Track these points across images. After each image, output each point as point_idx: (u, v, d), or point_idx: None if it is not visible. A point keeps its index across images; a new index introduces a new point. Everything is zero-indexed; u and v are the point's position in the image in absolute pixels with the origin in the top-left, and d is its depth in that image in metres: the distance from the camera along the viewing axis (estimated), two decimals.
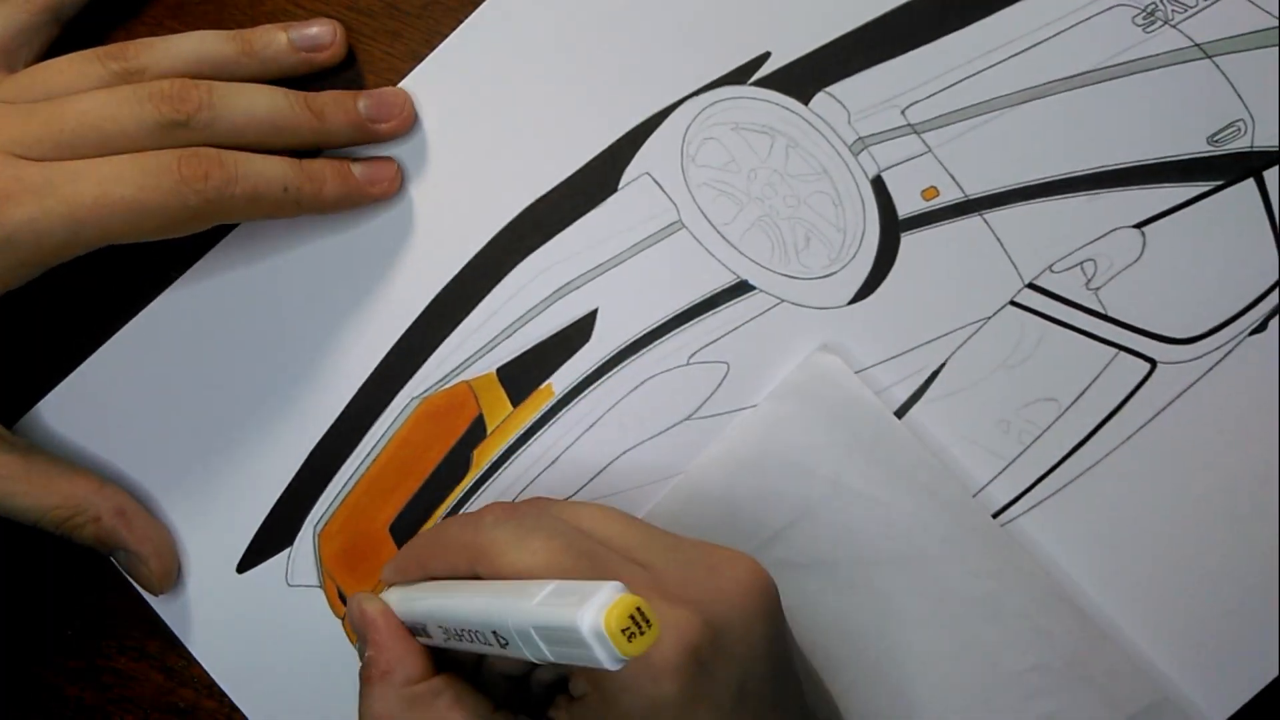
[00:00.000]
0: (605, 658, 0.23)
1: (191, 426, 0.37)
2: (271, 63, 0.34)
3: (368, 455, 0.37)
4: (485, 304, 0.36)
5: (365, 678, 0.31)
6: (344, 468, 0.37)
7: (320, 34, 0.35)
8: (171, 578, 0.36)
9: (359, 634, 0.32)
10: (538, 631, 0.25)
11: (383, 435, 0.37)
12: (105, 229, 0.31)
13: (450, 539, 0.31)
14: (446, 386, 0.37)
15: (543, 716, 0.30)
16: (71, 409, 0.36)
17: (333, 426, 0.37)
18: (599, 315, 0.36)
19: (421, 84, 0.36)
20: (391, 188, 0.35)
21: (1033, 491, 0.36)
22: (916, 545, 0.36)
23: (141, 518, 0.35)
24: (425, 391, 0.37)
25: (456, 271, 0.36)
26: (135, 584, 0.36)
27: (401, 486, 0.37)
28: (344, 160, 0.35)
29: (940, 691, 0.36)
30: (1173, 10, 0.34)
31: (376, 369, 0.37)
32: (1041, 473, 0.36)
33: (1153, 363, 0.36)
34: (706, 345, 0.36)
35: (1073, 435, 0.36)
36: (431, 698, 0.30)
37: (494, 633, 0.27)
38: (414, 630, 0.32)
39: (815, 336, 0.36)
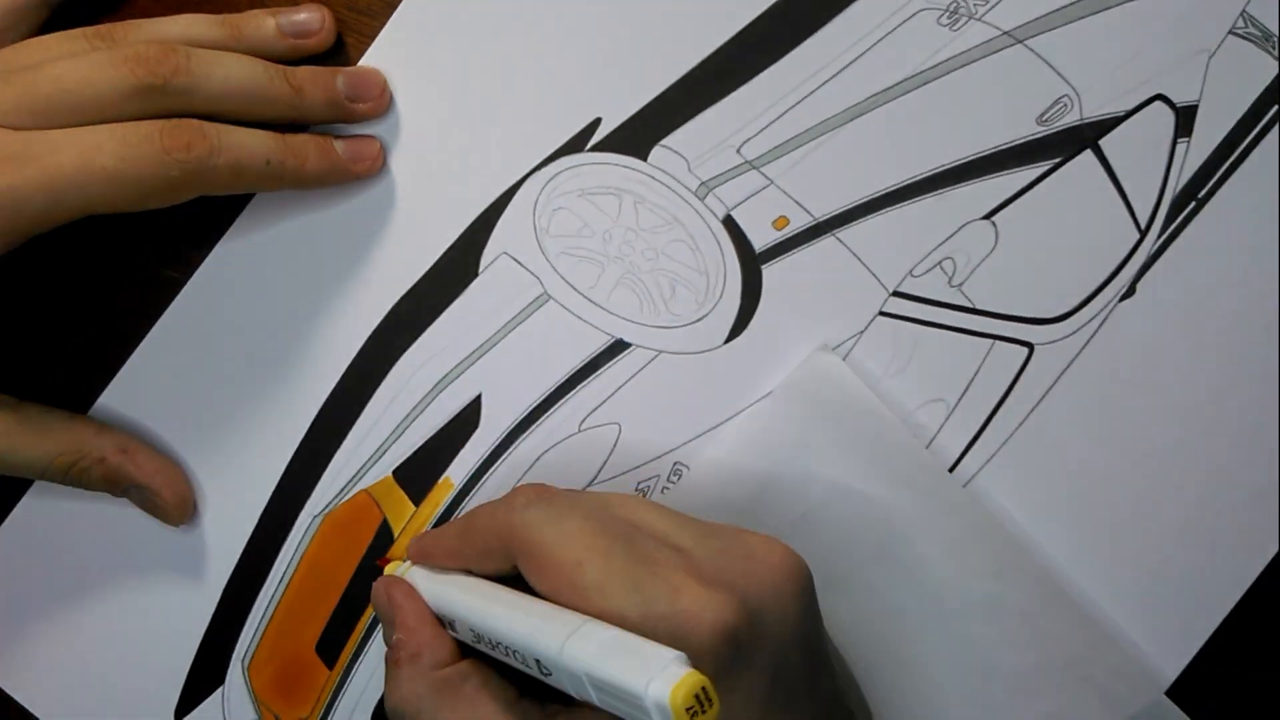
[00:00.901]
0: None
1: (101, 596, 0.37)
2: (259, 47, 0.34)
3: (281, 580, 0.37)
4: (369, 409, 0.36)
5: (393, 660, 0.31)
6: (260, 597, 0.37)
7: (308, 20, 0.35)
8: (188, 507, 0.36)
9: (385, 617, 0.32)
10: (591, 680, 0.25)
11: (292, 557, 0.37)
12: (85, 198, 0.30)
13: (482, 524, 0.31)
14: (346, 498, 0.37)
15: (569, 703, 0.30)
16: None
17: (242, 557, 0.37)
18: (483, 399, 0.36)
19: (262, 205, 0.36)
20: (374, 166, 0.35)
21: None
22: (916, 545, 0.36)
23: (145, 452, 0.35)
24: (326, 507, 0.37)
25: (335, 382, 0.36)
26: (154, 518, 0.36)
27: (320, 605, 0.37)
28: (327, 136, 0.35)
29: (940, 692, 0.36)
30: (975, 4, 0.35)
31: (274, 492, 0.37)
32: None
33: (1030, 346, 0.36)
34: (595, 410, 0.36)
35: (966, 431, 0.36)
36: (459, 682, 0.30)
37: (538, 661, 0.27)
38: (441, 619, 0.31)
39: (699, 381, 0.36)
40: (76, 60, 0.31)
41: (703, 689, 0.23)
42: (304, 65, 0.34)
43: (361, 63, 0.36)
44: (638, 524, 0.30)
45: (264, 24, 0.34)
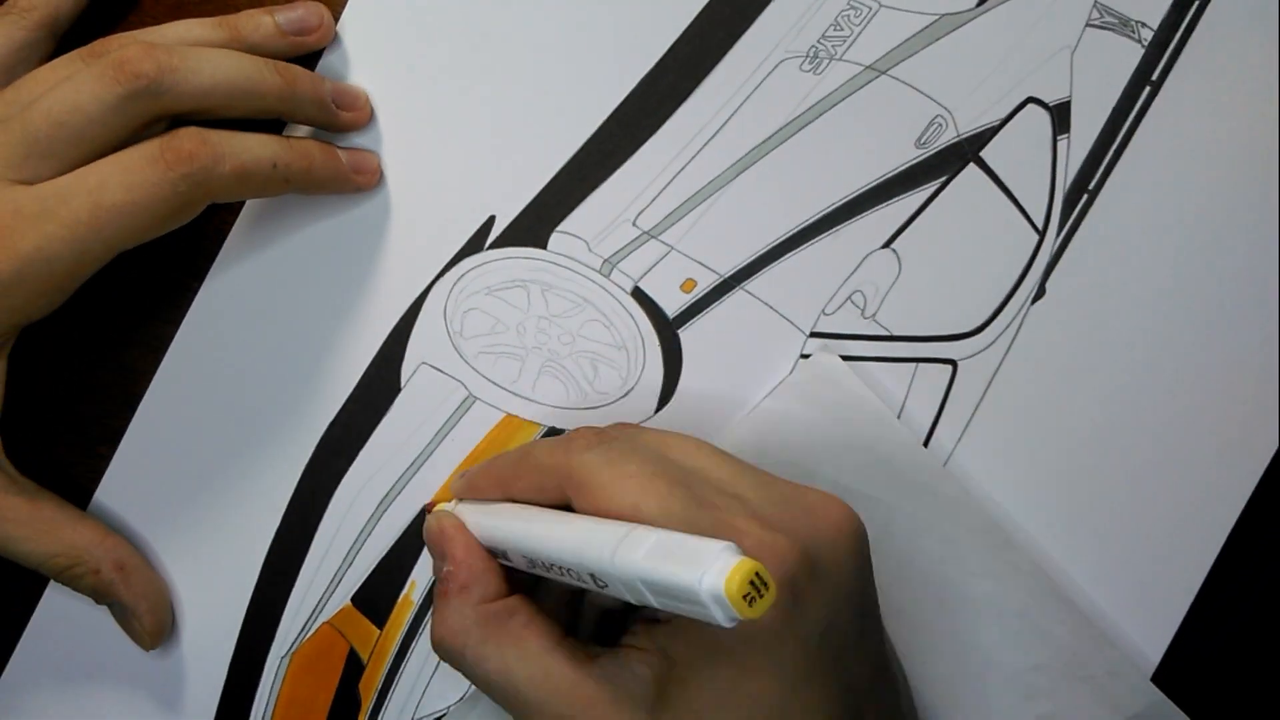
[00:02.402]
0: (722, 618, 0.23)
1: None
2: (260, 46, 0.34)
3: None
4: (317, 542, 0.36)
5: (441, 592, 0.31)
6: None
7: (306, 16, 0.34)
8: (163, 634, 0.36)
9: (436, 550, 0.32)
10: (646, 584, 0.25)
11: (268, 703, 0.36)
12: (106, 241, 0.30)
13: (539, 461, 0.30)
14: (310, 634, 0.36)
15: (614, 640, 0.30)
16: None
17: (220, 707, 0.36)
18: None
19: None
20: (373, 180, 0.35)
21: None
22: (916, 545, 0.36)
23: (140, 573, 0.35)
24: (292, 646, 0.36)
25: (279, 519, 0.36)
26: (127, 635, 0.35)
27: None
28: (330, 143, 0.35)
29: (939, 691, 0.36)
30: (833, 46, 0.36)
31: (239, 638, 0.36)
32: None
33: (953, 363, 0.36)
34: None
35: None
36: (506, 617, 0.30)
37: (592, 575, 0.26)
38: (491, 551, 0.31)
39: None
40: (61, 88, 0.31)
41: (757, 574, 0.23)
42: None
43: None
44: (696, 469, 0.29)
45: (262, 22, 0.34)
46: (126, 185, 0.30)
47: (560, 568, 0.28)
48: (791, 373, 0.36)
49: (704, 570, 0.23)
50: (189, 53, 0.32)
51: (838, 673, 0.28)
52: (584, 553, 0.27)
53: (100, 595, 0.35)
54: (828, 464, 0.36)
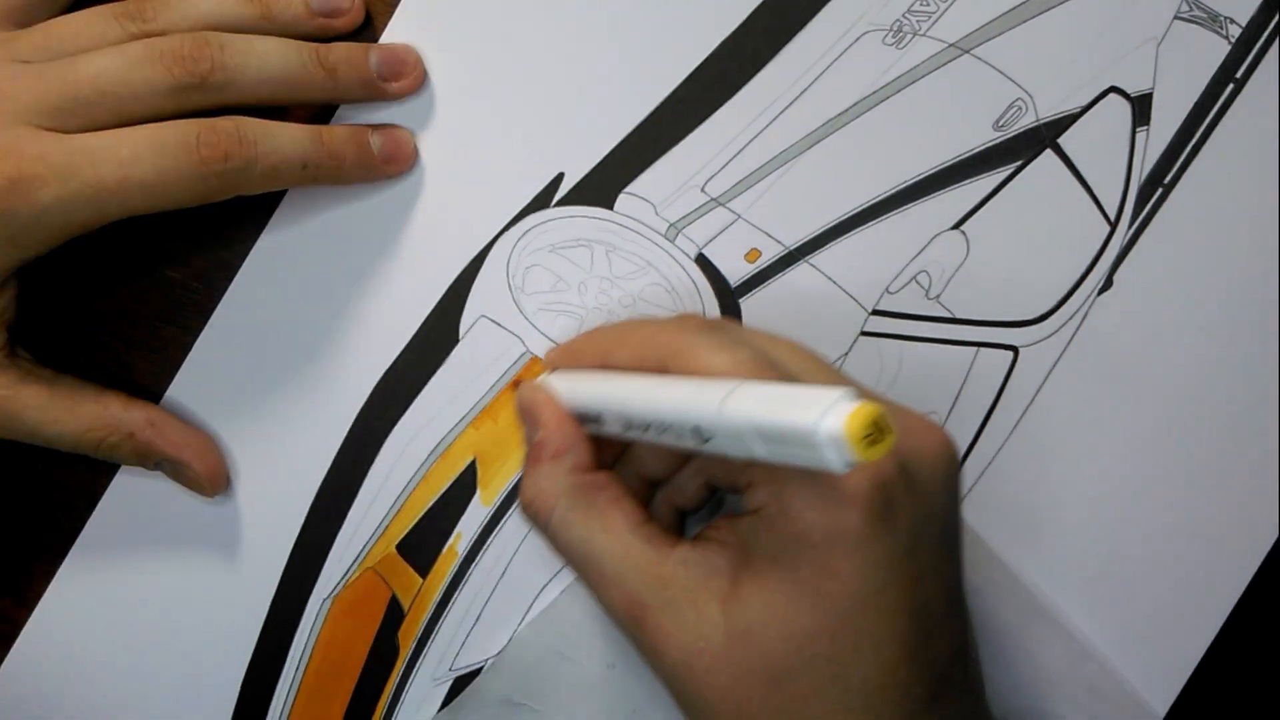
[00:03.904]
0: (837, 460, 0.22)
1: (118, 698, 0.37)
2: (289, 27, 0.34)
3: (298, 668, 0.37)
4: (366, 487, 0.36)
5: (534, 457, 0.31)
6: (279, 686, 0.37)
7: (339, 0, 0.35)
8: (220, 477, 0.36)
9: (529, 418, 0.33)
10: (757, 430, 0.24)
11: (306, 645, 0.37)
12: (127, 207, 0.31)
13: (643, 334, 0.31)
14: (352, 578, 0.37)
15: (694, 534, 0.30)
16: None
17: (256, 648, 0.37)
18: (478, 463, 0.36)
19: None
20: (407, 165, 0.35)
21: None
22: None
23: (174, 425, 0.35)
24: (334, 590, 0.37)
25: (329, 463, 0.36)
26: (189, 490, 0.36)
27: (338, 690, 0.37)
28: (364, 130, 0.35)
29: None
30: (918, 21, 0.36)
31: (281, 580, 0.36)
32: None
33: (1014, 349, 0.36)
34: None
35: (962, 441, 0.36)
36: (596, 490, 0.31)
37: (696, 428, 0.26)
38: (584, 418, 0.31)
39: None
40: (111, 57, 0.31)
41: (878, 418, 0.22)
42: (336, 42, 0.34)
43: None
44: (801, 372, 0.30)
45: (294, 2, 0.34)
46: (158, 168, 0.31)
47: (661, 425, 0.28)
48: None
49: (823, 411, 0.22)
50: (239, 48, 0.32)
51: (916, 591, 0.28)
52: (690, 404, 0.26)
53: (143, 457, 0.35)
54: None
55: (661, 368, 0.30)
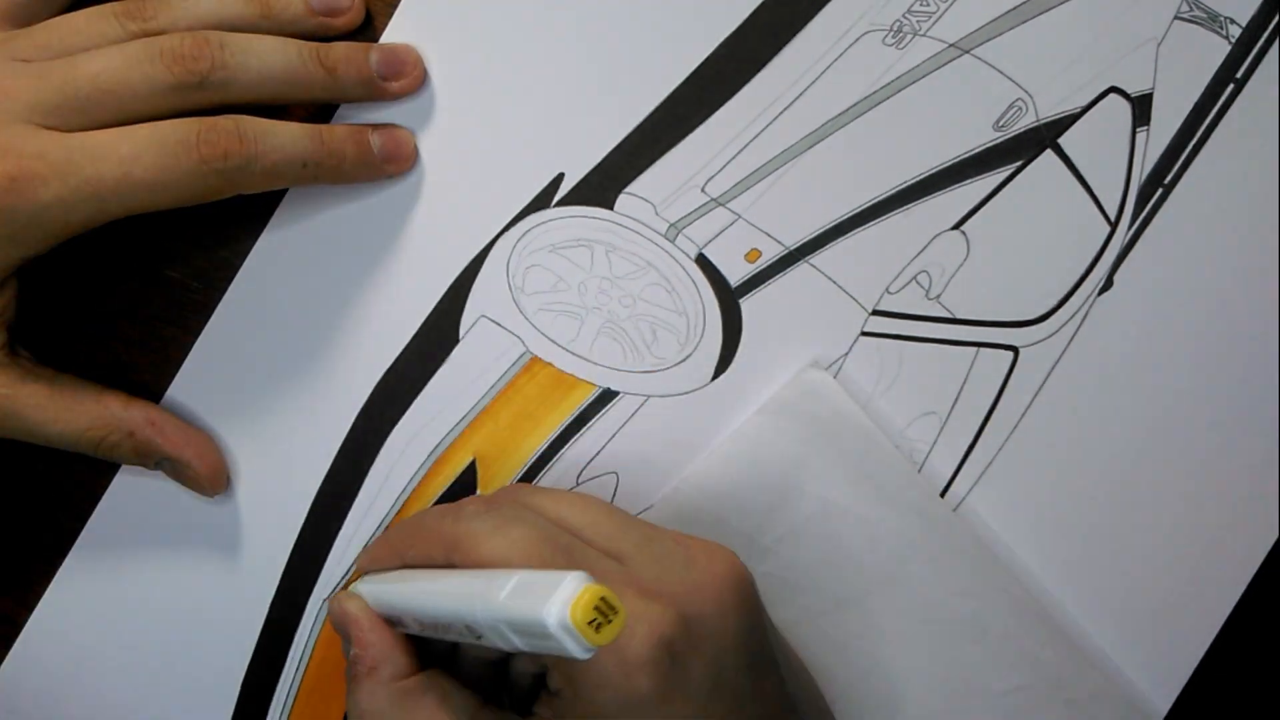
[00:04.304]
0: (575, 649, 0.23)
1: (120, 698, 0.37)
2: (289, 26, 0.34)
3: (298, 667, 0.37)
4: (367, 486, 0.36)
5: (353, 675, 0.31)
6: (279, 685, 0.37)
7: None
8: (220, 476, 0.36)
9: (342, 632, 0.32)
10: (507, 625, 0.25)
11: (306, 645, 0.37)
12: (127, 205, 0.31)
13: (428, 529, 0.31)
14: (353, 577, 0.37)
15: (527, 711, 0.30)
16: None
17: (257, 647, 0.37)
18: (478, 464, 0.36)
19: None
20: (406, 165, 0.35)
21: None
22: (903, 563, 0.36)
23: (174, 424, 0.35)
24: (334, 590, 0.37)
25: (329, 464, 0.36)
26: (190, 490, 0.35)
27: (338, 690, 0.37)
28: (364, 129, 0.35)
29: (924, 711, 0.36)
30: (918, 21, 0.36)
31: (281, 579, 0.36)
32: (941, 487, 0.36)
33: (1014, 349, 0.36)
34: (590, 461, 0.36)
35: (960, 443, 0.36)
36: (420, 694, 0.30)
37: (467, 626, 0.26)
38: (392, 621, 0.31)
39: (690, 421, 0.36)
40: (112, 56, 0.31)
41: (602, 599, 0.23)
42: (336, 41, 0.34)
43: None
44: (580, 529, 0.30)
45: (294, 1, 0.34)
46: (158, 166, 0.31)
47: (442, 623, 0.28)
48: (781, 389, 0.36)
49: (551, 601, 0.23)
50: (239, 47, 0.32)
51: None
52: (455, 601, 0.27)
53: (143, 456, 0.35)
54: (815, 480, 0.36)
55: (448, 561, 0.30)
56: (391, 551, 0.32)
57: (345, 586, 0.36)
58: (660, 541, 0.30)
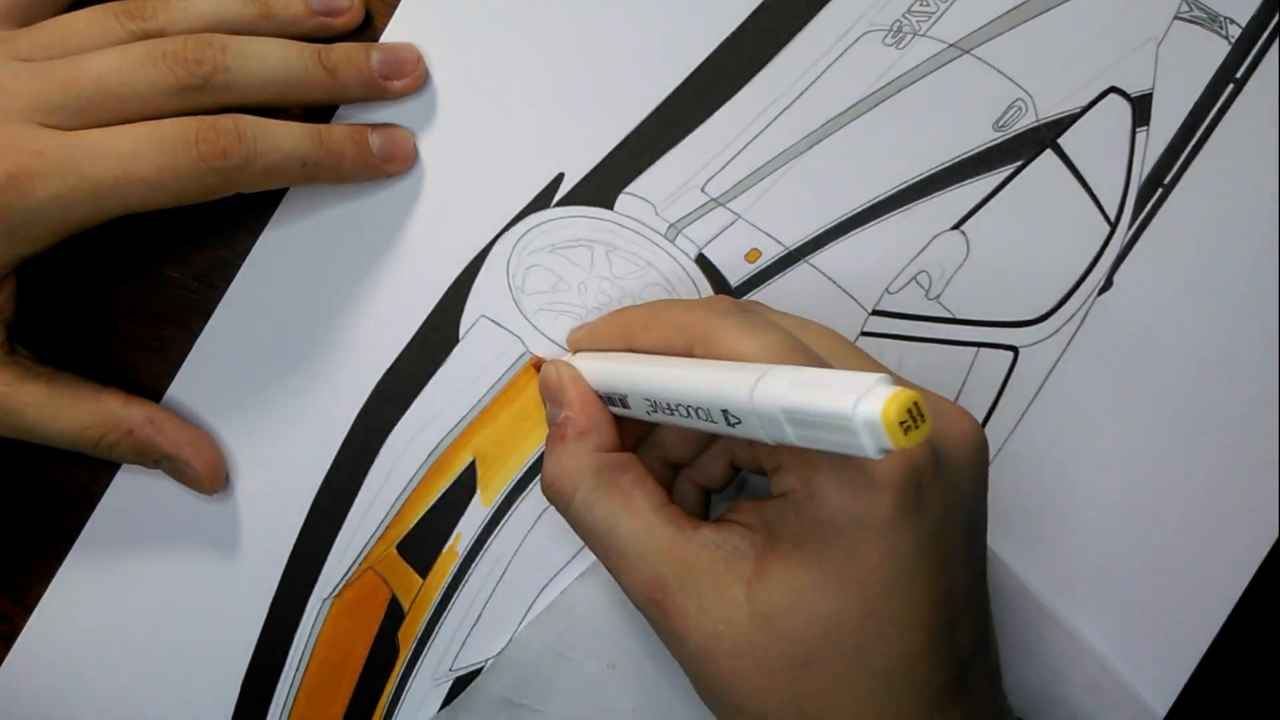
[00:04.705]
0: (871, 446, 0.22)
1: (120, 701, 0.37)
2: (289, 26, 0.34)
3: (298, 668, 0.37)
4: (366, 487, 0.36)
5: (558, 436, 0.31)
6: (279, 686, 0.37)
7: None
8: (219, 475, 0.36)
9: (552, 397, 0.32)
10: (788, 414, 0.24)
11: (306, 644, 0.37)
12: (126, 203, 0.31)
13: (672, 316, 0.31)
14: (352, 578, 0.37)
15: (718, 514, 0.30)
16: None
17: (256, 648, 0.37)
18: (478, 464, 0.36)
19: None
20: (406, 165, 0.35)
21: None
22: None
23: (173, 422, 0.35)
24: (334, 590, 0.37)
25: (329, 463, 0.36)
26: (188, 488, 0.35)
27: (338, 689, 0.37)
28: (363, 129, 0.35)
29: None
30: (917, 21, 0.36)
31: (281, 580, 0.36)
32: None
33: (1014, 349, 0.36)
34: None
35: None
36: (621, 469, 0.31)
37: (724, 411, 0.26)
38: (608, 400, 0.31)
39: None
40: (114, 57, 0.31)
41: (915, 404, 0.22)
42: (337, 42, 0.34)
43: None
44: (831, 357, 0.30)
45: (293, 2, 0.34)
46: (156, 164, 0.31)
47: (689, 408, 0.27)
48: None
49: (860, 396, 0.22)
50: (240, 50, 0.32)
51: (941, 579, 0.28)
52: (719, 388, 0.26)
53: (142, 454, 0.35)
54: None
55: (688, 351, 0.30)
56: (620, 332, 0.32)
57: (534, 367, 0.36)
58: (913, 386, 0.29)
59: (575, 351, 0.34)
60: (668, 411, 0.28)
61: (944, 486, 0.28)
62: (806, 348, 0.29)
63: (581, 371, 0.32)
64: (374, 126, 0.35)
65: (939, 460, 0.28)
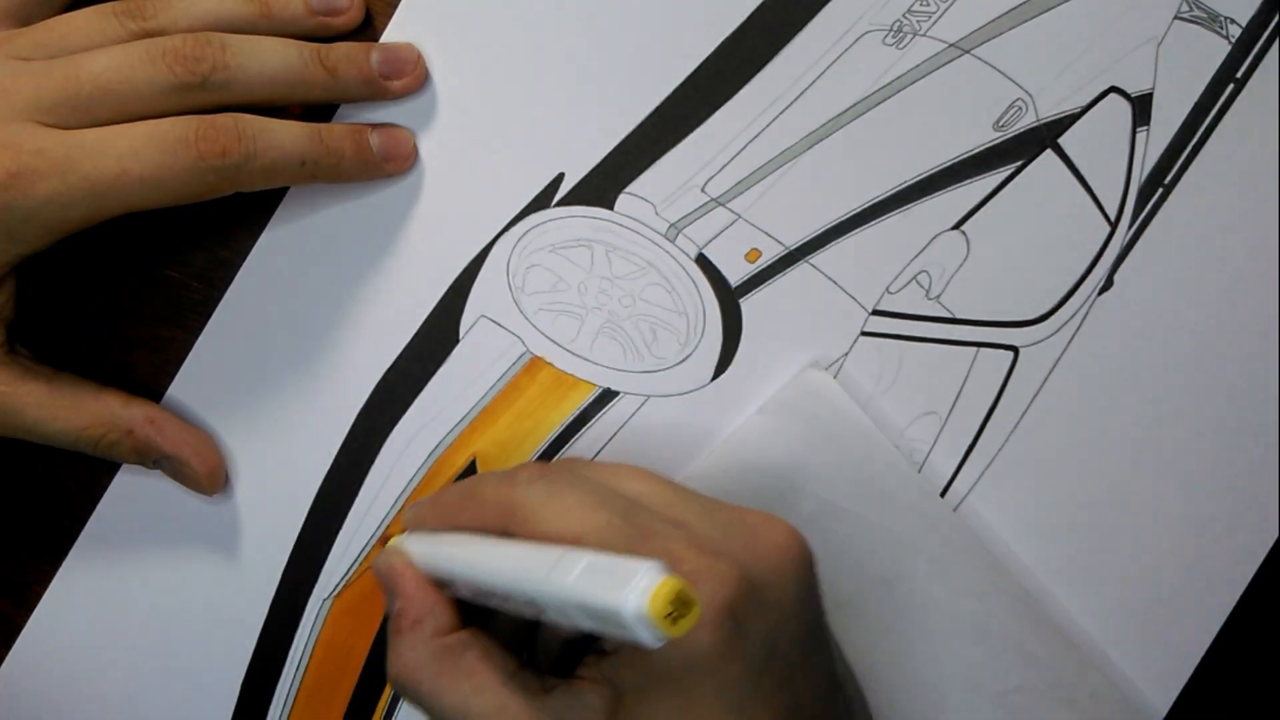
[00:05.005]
0: (648, 638, 0.23)
1: (119, 701, 0.37)
2: (289, 25, 0.34)
3: (298, 668, 0.37)
4: (367, 486, 0.36)
5: (395, 629, 0.31)
6: (279, 687, 0.37)
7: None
8: (219, 476, 0.36)
9: (386, 587, 0.32)
10: (578, 608, 0.24)
11: (306, 645, 0.37)
12: (125, 202, 0.31)
13: (483, 495, 0.31)
14: (352, 578, 0.37)
15: (561, 670, 0.30)
16: None
17: (256, 649, 0.37)
18: (478, 464, 0.36)
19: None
20: (406, 164, 0.35)
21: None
22: (903, 564, 0.36)
23: (173, 423, 0.35)
24: (334, 590, 0.37)
25: (329, 464, 0.36)
26: (187, 489, 0.35)
27: (338, 690, 0.37)
28: (363, 129, 0.35)
29: (924, 711, 0.36)
30: (918, 21, 0.36)
31: (281, 580, 0.36)
32: (941, 487, 0.36)
33: (1014, 349, 0.36)
34: (591, 460, 0.36)
35: (960, 443, 0.36)
36: (461, 650, 0.30)
37: (530, 600, 0.26)
38: (439, 582, 0.31)
39: (690, 420, 0.36)
40: (114, 56, 0.31)
41: (679, 592, 0.23)
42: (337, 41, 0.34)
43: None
44: (637, 497, 0.30)
45: (293, 1, 0.34)
46: (156, 163, 0.31)
47: (501, 594, 0.28)
48: (781, 389, 0.36)
49: (628, 590, 0.23)
50: (240, 48, 0.32)
51: (784, 695, 0.28)
52: (520, 577, 0.27)
53: (143, 455, 0.35)
54: (815, 480, 0.36)
55: (504, 529, 0.30)
56: (441, 514, 0.32)
57: (383, 543, 0.36)
58: (720, 511, 0.30)
59: (409, 531, 0.33)
60: (487, 596, 0.29)
61: (765, 609, 0.28)
62: (617, 501, 0.29)
63: (413, 553, 0.32)
64: (374, 126, 0.35)
65: (755, 587, 0.28)
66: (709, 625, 0.27)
